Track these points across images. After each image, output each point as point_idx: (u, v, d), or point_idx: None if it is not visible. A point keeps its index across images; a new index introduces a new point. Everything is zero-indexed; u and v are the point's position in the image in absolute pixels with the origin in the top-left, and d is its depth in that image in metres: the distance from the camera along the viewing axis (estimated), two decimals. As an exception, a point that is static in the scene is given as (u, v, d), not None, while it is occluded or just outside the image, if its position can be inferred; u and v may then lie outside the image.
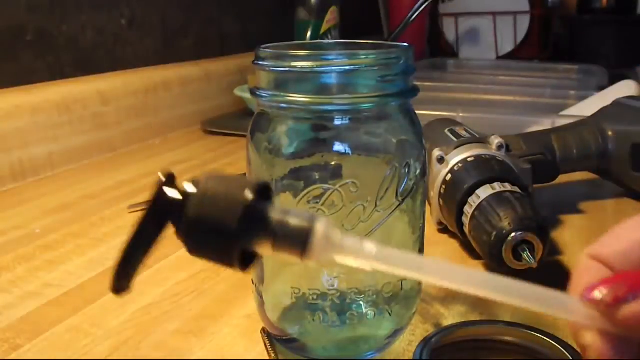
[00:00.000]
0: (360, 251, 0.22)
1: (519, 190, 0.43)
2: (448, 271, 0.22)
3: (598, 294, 0.21)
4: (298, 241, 0.22)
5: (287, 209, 0.23)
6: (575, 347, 0.27)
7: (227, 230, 0.22)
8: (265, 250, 0.23)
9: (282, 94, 0.29)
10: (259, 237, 0.22)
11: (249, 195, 0.22)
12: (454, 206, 0.45)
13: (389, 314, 0.32)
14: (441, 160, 0.48)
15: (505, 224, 0.39)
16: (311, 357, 0.33)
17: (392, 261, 0.23)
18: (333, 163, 0.30)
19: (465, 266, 0.22)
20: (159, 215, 0.23)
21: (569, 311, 0.23)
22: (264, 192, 0.23)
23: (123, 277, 0.23)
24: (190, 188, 0.22)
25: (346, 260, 0.23)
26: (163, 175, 0.23)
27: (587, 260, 0.24)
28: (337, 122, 0.30)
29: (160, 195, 0.23)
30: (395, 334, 0.33)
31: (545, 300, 0.23)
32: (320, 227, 0.22)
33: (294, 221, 0.22)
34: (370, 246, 0.22)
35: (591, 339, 0.22)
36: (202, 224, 0.22)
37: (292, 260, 0.23)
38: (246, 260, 0.23)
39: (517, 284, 0.23)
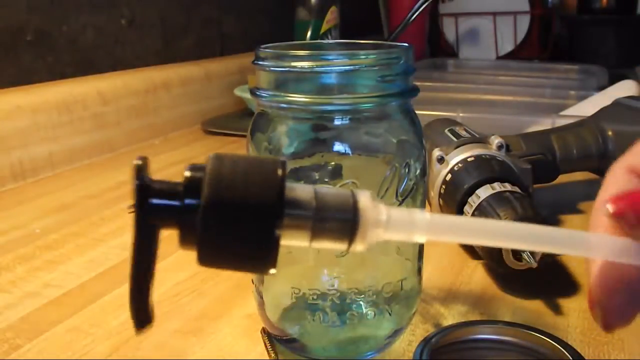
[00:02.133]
0: (412, 224, 0.19)
1: (519, 190, 0.43)
2: (497, 229, 0.20)
3: (621, 205, 0.20)
4: (343, 221, 0.18)
5: (315, 185, 0.19)
6: (575, 347, 0.27)
7: (262, 212, 0.17)
8: (301, 239, 0.19)
9: (282, 94, 0.29)
10: (296, 221, 0.18)
11: (280, 170, 0.18)
12: (454, 206, 0.45)
13: (389, 314, 0.32)
14: (441, 160, 0.48)
15: (505, 224, 0.39)
16: (311, 357, 0.33)
17: (446, 229, 0.20)
18: (333, 163, 0.30)
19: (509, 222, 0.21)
20: (151, 216, 0.18)
21: (594, 249, 0.21)
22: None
23: (141, 309, 0.19)
24: (197, 171, 0.18)
25: (397, 236, 0.19)
26: (137, 167, 0.18)
27: (621, 172, 0.22)
28: (337, 122, 0.30)
29: (144, 189, 0.18)
30: (395, 334, 0.33)
31: (569, 241, 0.21)
32: (366, 200, 0.19)
33: (332, 198, 0.18)
34: (421, 216, 0.19)
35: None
36: (227, 209, 0.17)
37: (333, 248, 0.19)
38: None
39: (545, 230, 0.21)
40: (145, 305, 0.19)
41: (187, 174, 0.18)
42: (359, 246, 0.19)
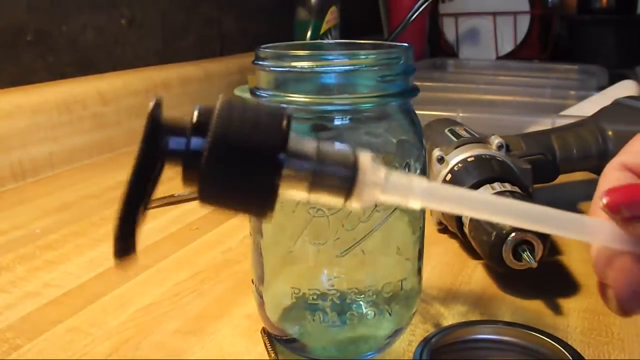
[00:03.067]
0: (409, 188, 0.20)
1: (519, 190, 0.43)
2: (494, 204, 0.21)
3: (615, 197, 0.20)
4: (342, 177, 0.19)
5: (319, 140, 0.19)
6: (575, 347, 0.27)
7: (265, 157, 0.17)
8: (299, 189, 0.19)
9: (282, 94, 0.29)
10: (296, 171, 0.19)
11: (285, 120, 0.18)
12: (454, 206, 0.45)
13: (389, 314, 0.32)
14: (441, 160, 0.48)
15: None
16: (311, 357, 0.33)
17: (443, 198, 0.20)
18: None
19: (508, 199, 0.21)
20: (157, 150, 0.19)
21: (589, 233, 0.21)
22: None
23: (126, 236, 0.19)
24: (205, 113, 0.19)
25: (392, 199, 0.20)
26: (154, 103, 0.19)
27: (615, 170, 0.23)
28: (337, 122, 0.30)
29: (156, 123, 0.19)
30: (395, 334, 0.33)
31: (564, 223, 0.21)
32: (366, 160, 0.20)
33: (334, 154, 0.19)
34: (419, 182, 0.20)
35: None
36: (232, 150, 0.18)
37: (330, 203, 0.19)
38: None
39: (548, 211, 0.21)
40: (130, 234, 0.20)
41: (196, 113, 0.19)
42: (354, 203, 0.19)
